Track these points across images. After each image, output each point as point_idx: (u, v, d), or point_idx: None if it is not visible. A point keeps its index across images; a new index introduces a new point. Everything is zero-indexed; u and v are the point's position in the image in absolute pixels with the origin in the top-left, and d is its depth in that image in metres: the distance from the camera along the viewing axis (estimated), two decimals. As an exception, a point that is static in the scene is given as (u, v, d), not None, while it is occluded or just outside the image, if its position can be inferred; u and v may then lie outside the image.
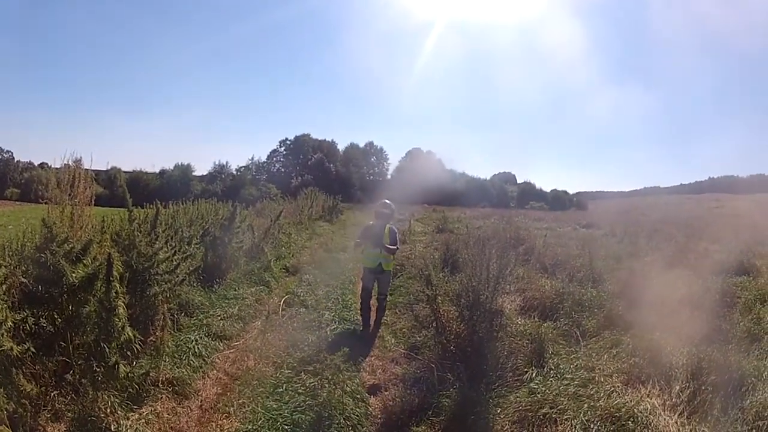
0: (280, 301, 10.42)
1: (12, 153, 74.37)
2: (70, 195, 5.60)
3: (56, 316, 4.99)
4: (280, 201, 30.70)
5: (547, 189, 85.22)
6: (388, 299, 10.01)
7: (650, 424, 5.24)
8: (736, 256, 13.99)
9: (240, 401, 6.27)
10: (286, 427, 5.64)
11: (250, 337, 8.49)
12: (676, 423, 5.36)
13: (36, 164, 70.40)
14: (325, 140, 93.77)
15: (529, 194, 79.65)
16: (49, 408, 4.81)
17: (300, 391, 6.46)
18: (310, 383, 6.59)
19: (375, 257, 9.43)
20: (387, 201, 9.77)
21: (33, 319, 4.74)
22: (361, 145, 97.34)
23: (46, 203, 5.54)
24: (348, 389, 6.51)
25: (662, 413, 5.48)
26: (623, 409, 5.46)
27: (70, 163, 5.77)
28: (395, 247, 9.60)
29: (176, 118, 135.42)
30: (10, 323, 4.28)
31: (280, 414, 5.92)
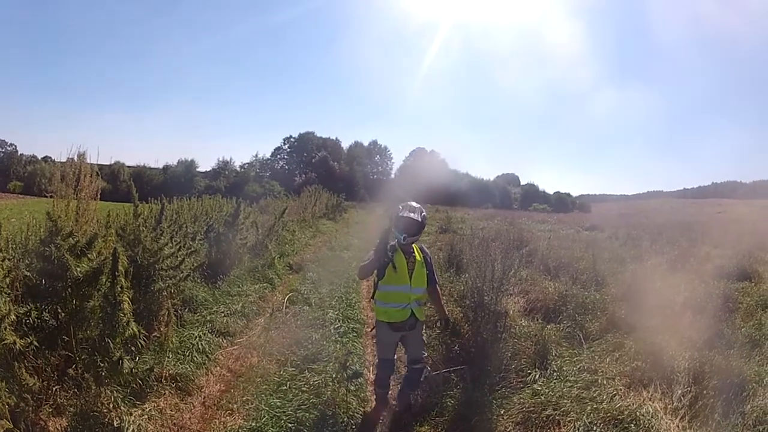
0: (284, 299, 10.41)
1: (15, 146, 75.00)
2: (75, 189, 5.60)
3: (60, 310, 4.99)
4: (283, 198, 30.84)
5: (551, 191, 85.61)
6: (427, 371, 6.33)
7: (652, 428, 5.26)
8: (738, 262, 14.00)
9: (243, 398, 6.26)
10: (289, 425, 5.62)
11: (254, 334, 8.49)
12: (678, 427, 5.39)
13: (39, 158, 70.81)
14: (329, 138, 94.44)
15: (532, 196, 79.91)
16: (51, 402, 4.81)
17: (304, 389, 6.43)
18: (314, 381, 6.58)
19: (403, 302, 5.77)
20: (415, 204, 5.93)
21: (36, 312, 4.74)
22: (366, 143, 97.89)
23: (50, 197, 5.53)
24: (352, 388, 6.53)
25: (664, 417, 5.51)
26: (626, 412, 5.50)
27: (75, 157, 5.77)
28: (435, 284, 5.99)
29: (180, 115, 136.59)
30: (13, 317, 4.26)
31: (284, 412, 5.90)
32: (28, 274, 4.90)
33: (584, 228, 30.20)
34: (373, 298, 6.02)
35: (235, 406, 6.08)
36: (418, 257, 5.88)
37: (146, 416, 5.25)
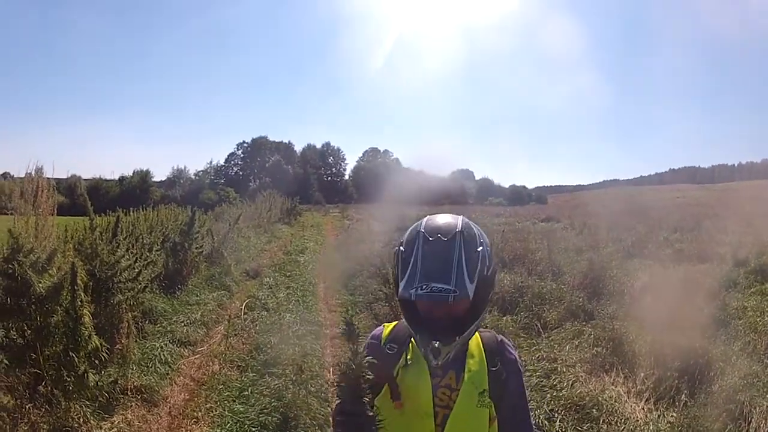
0: (242, 305, 10.43)
1: (-26, 165, 73.76)
2: (33, 205, 5.59)
3: (26, 328, 4.97)
4: (238, 204, 30.74)
5: (506, 185, 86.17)
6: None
7: (616, 411, 5.40)
8: (698, 245, 14.32)
9: (207, 406, 6.29)
10: (253, 429, 5.67)
11: (214, 342, 8.49)
12: (643, 409, 5.54)
13: (-1, 174, 69.63)
14: (282, 142, 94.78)
15: (487, 190, 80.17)
16: (26, 421, 4.80)
17: (265, 393, 6.46)
18: (274, 385, 6.60)
19: None
20: (450, 219, 2.00)
21: (3, 331, 4.74)
22: (318, 145, 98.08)
23: (10, 214, 5.51)
24: (312, 389, 6.55)
25: (628, 400, 5.66)
26: (587, 398, 5.62)
27: (33, 172, 5.76)
28: None
29: (134, 124, 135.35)
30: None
31: (247, 417, 5.93)
32: (-5, 293, 4.88)
33: (540, 220, 30.63)
34: None
35: (199, 414, 6.10)
36: (469, 375, 2.03)
37: (115, 429, 5.28)
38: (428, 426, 1.97)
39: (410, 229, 2.04)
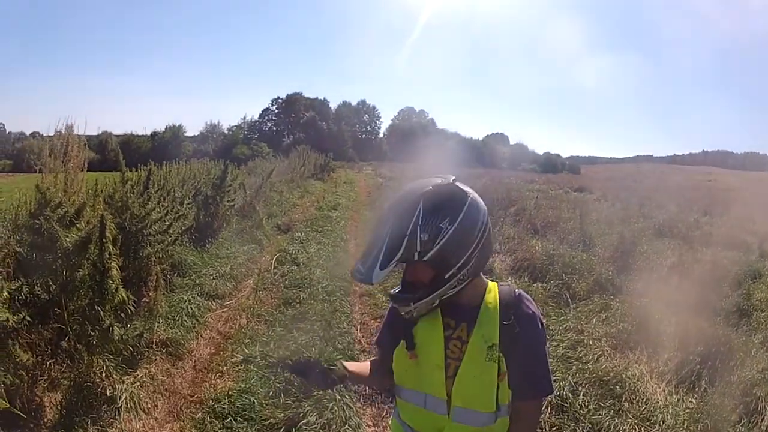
0: (272, 259, 10.49)
1: (3, 125, 74.82)
2: (63, 161, 5.56)
3: (51, 283, 4.98)
4: (271, 159, 30.77)
5: (540, 152, 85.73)
6: None
7: (638, 390, 5.33)
8: (727, 231, 14.12)
9: (233, 360, 6.30)
10: (278, 384, 5.58)
11: (243, 296, 8.55)
12: (664, 391, 5.47)
13: (27, 134, 70.37)
14: (317, 98, 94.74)
15: (521, 156, 79.78)
16: (46, 377, 4.84)
17: (292, 348, 6.42)
18: (301, 341, 6.59)
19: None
20: (406, 198, 1.98)
21: (28, 287, 4.73)
22: (354, 103, 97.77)
23: (39, 171, 5.48)
24: (339, 346, 6.56)
25: (650, 380, 5.61)
26: (611, 374, 5.56)
27: (63, 129, 5.73)
28: None
29: (167, 79, 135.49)
30: (6, 293, 4.26)
31: (273, 372, 5.87)
32: (19, 249, 4.88)
33: (573, 189, 30.37)
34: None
35: (224, 368, 6.12)
36: (478, 336, 2.03)
37: (138, 383, 5.29)
38: (439, 377, 2.05)
39: None
